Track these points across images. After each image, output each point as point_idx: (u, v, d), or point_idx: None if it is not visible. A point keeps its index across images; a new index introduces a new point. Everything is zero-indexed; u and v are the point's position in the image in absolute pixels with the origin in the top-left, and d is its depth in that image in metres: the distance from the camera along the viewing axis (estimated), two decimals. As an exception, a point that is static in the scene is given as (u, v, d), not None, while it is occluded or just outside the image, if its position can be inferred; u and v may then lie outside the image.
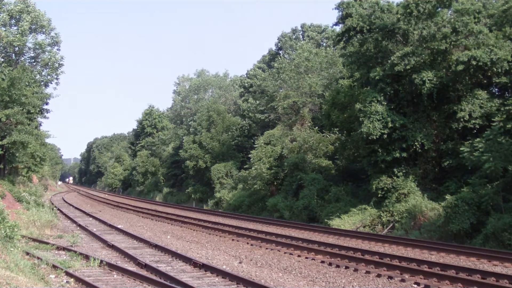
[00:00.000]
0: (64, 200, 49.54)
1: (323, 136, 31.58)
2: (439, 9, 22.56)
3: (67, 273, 12.08)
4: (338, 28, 27.97)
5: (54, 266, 12.72)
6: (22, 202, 27.90)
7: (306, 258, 14.87)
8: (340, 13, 25.95)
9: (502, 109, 19.19)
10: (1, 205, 14.33)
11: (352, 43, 25.58)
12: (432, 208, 20.49)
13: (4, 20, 36.96)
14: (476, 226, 17.75)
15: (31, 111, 33.85)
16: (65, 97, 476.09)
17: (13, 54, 38.03)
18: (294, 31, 52.25)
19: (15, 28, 37.46)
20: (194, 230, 22.83)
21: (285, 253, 15.83)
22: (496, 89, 23.04)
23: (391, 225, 21.75)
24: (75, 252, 15.14)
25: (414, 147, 22.09)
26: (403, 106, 23.30)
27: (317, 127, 32.73)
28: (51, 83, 40.28)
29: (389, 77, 22.92)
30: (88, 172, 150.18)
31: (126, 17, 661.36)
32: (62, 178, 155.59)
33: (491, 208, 17.65)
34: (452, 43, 21.43)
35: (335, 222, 23.33)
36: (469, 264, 13.51)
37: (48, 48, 39.14)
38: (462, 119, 21.34)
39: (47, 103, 39.77)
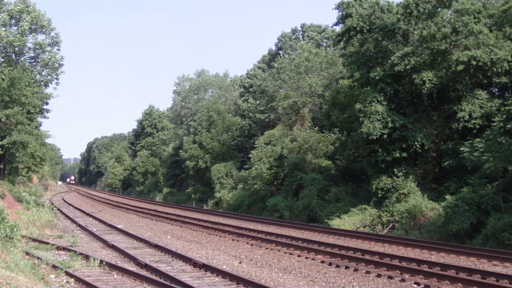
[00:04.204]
0: (64, 200, 49.53)
1: (323, 136, 31.58)
2: (439, 9, 22.56)
3: (67, 273, 12.07)
4: (338, 28, 28.02)
5: (54, 266, 12.72)
6: (22, 202, 27.90)
7: (306, 258, 14.86)
8: (340, 13, 25.96)
9: (502, 109, 19.19)
10: (1, 205, 14.32)
11: (352, 43, 25.57)
12: (432, 208, 20.49)
13: (4, 20, 36.97)
14: (476, 226, 17.75)
15: (31, 111, 33.89)
16: (65, 97, 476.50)
17: (13, 54, 38.04)
18: (294, 31, 52.24)
19: (15, 28, 37.49)
20: (194, 230, 22.83)
21: (285, 253, 15.83)
22: (496, 89, 23.03)
23: (391, 225, 21.76)
24: (75, 252, 15.13)
25: (414, 147, 22.09)
26: (403, 106, 23.30)
27: (317, 127, 32.73)
28: (51, 83, 40.36)
29: (389, 77, 22.91)
30: (88, 172, 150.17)
31: (126, 17, 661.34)
32: (63, 178, 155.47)
33: (491, 208, 17.65)
34: (452, 43, 21.43)
35: (335, 222, 23.33)
36: (469, 264, 13.50)
37: (48, 48, 39.18)
38: (462, 119, 21.33)
39: (47, 103, 39.86)
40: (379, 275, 12.12)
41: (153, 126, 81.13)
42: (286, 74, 38.11)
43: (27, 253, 14.28)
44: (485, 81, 21.85)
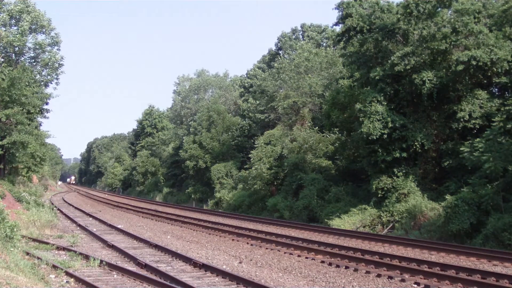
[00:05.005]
0: (64, 200, 49.53)
1: (323, 136, 31.58)
2: (439, 9, 22.57)
3: (67, 273, 12.07)
4: (338, 28, 28.03)
5: (54, 266, 12.72)
6: (22, 202, 27.89)
7: (306, 258, 14.86)
8: (340, 13, 25.98)
9: (502, 109, 19.19)
10: (1, 205, 14.32)
11: (352, 43, 25.58)
12: (432, 208, 20.49)
13: (4, 20, 36.97)
14: (476, 226, 17.75)
15: (31, 111, 33.87)
16: (65, 97, 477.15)
17: (13, 54, 38.03)
18: (294, 31, 52.25)
19: (15, 28, 37.48)
20: (194, 230, 22.83)
21: (285, 253, 15.83)
22: (496, 89, 23.05)
23: (391, 225, 21.76)
24: (75, 252, 15.13)
25: (414, 147, 22.09)
26: (403, 106, 23.30)
27: (317, 127, 32.73)
28: (51, 83, 40.34)
29: (389, 77, 22.92)
30: (88, 172, 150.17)
31: (126, 17, 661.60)
32: (63, 178, 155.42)
33: (491, 208, 17.65)
34: (452, 43, 21.43)
35: (335, 222, 23.33)
36: (469, 264, 13.51)
37: (48, 48, 39.16)
38: (462, 119, 21.34)
39: (47, 103, 39.84)
40: (379, 275, 12.11)
41: (153, 126, 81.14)
42: (286, 74, 38.10)
43: (27, 253, 14.28)
44: (485, 81, 21.87)
